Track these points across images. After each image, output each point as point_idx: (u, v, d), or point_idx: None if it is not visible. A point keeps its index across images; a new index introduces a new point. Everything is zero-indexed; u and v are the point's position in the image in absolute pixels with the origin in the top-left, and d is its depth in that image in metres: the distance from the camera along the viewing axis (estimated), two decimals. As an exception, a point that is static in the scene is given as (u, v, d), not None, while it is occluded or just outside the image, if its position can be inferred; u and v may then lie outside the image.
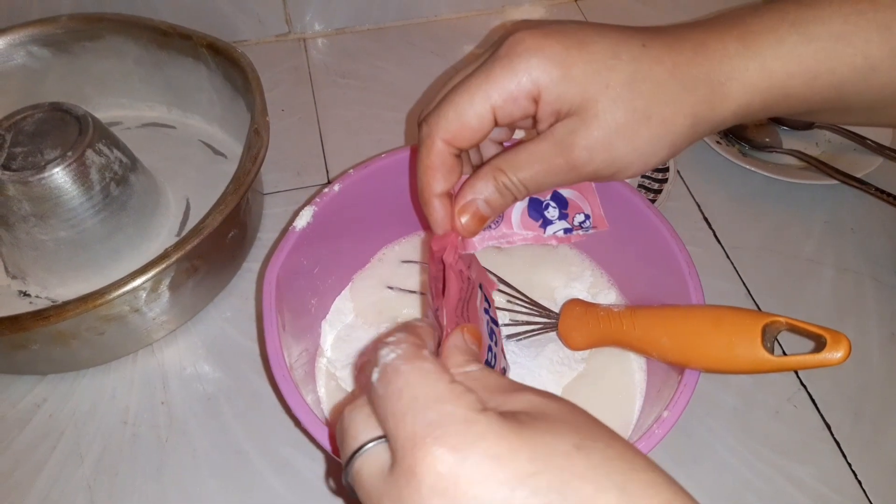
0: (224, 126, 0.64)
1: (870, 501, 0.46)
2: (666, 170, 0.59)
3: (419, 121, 0.37)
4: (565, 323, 0.46)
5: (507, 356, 0.45)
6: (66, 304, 0.43)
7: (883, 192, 0.57)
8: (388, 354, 0.26)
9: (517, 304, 0.48)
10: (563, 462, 0.22)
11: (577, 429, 0.24)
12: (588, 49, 0.32)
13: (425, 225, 0.48)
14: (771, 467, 0.47)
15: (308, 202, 0.45)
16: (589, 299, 0.48)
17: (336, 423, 0.27)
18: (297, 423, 0.36)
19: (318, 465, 0.47)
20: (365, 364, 0.37)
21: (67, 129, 0.51)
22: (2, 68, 0.60)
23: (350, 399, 0.38)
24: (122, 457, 0.47)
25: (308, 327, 0.47)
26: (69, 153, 0.50)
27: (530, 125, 0.35)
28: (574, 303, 0.46)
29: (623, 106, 0.32)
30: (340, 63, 0.74)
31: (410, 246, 0.52)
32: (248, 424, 0.49)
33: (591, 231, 0.43)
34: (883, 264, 0.57)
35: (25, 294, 0.54)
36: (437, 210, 0.36)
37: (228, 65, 0.57)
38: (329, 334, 0.48)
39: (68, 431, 0.48)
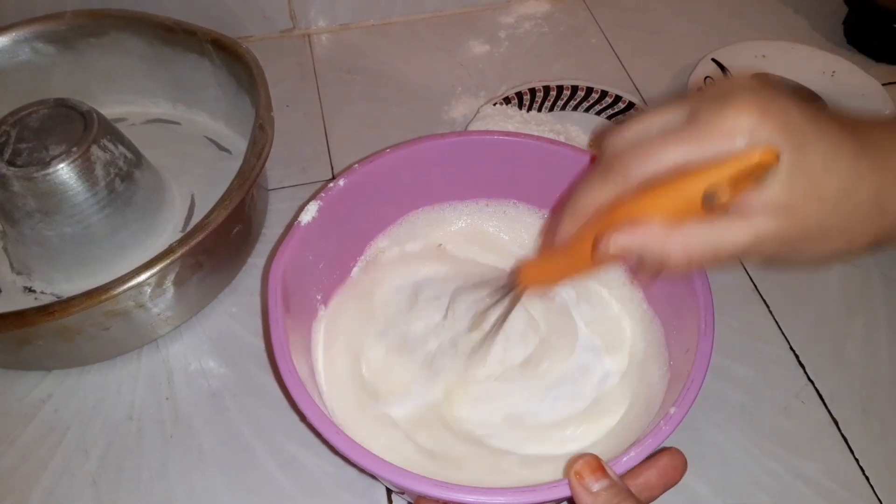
0: (229, 122, 0.64)
1: (877, 497, 0.45)
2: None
3: (604, 137, 0.35)
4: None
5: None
6: (71, 300, 0.43)
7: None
8: None
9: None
10: None
11: None
12: (807, 156, 0.30)
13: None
14: (779, 463, 0.46)
15: (313, 197, 0.44)
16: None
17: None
18: (303, 418, 0.36)
19: (324, 460, 0.47)
20: None
21: (72, 125, 0.51)
22: (7, 65, 0.60)
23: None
24: (128, 452, 0.47)
25: (313, 322, 0.47)
26: (74, 149, 0.50)
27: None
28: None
29: (825, 222, 0.31)
30: (345, 58, 0.73)
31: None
32: (253, 420, 0.49)
33: None
34: (891, 261, 0.57)
35: (30, 290, 0.54)
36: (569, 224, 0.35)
37: (233, 61, 0.57)
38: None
39: (74, 427, 0.49)
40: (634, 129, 0.34)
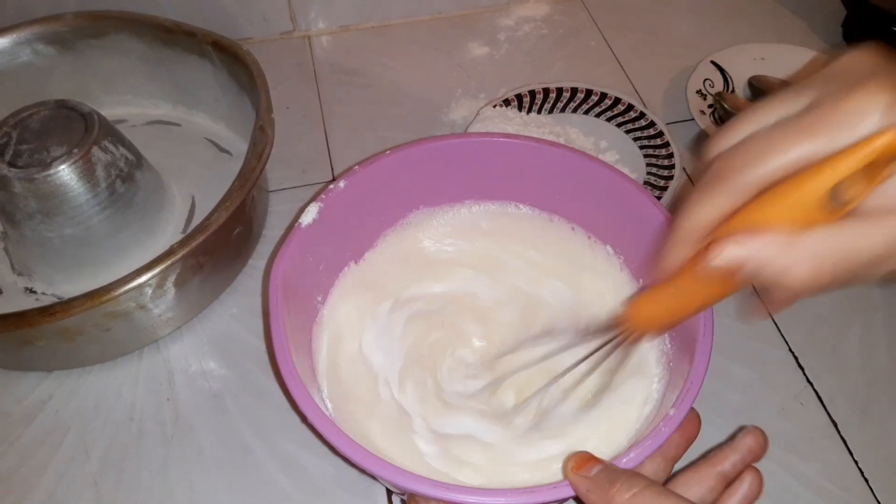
0: (229, 123, 0.64)
1: (875, 498, 0.45)
2: (672, 167, 0.59)
3: (708, 142, 0.30)
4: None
5: None
6: (72, 301, 0.43)
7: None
8: None
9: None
10: None
11: None
12: None
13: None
14: (777, 464, 0.47)
15: (314, 198, 0.45)
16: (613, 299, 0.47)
17: None
18: (304, 419, 0.36)
19: (324, 462, 0.47)
20: None
21: (73, 127, 0.51)
22: (7, 66, 0.60)
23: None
24: (128, 453, 0.47)
25: (313, 324, 0.47)
26: (75, 150, 0.50)
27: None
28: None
29: None
30: (345, 60, 0.74)
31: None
32: (254, 421, 0.49)
33: None
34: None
35: (31, 291, 0.54)
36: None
37: (233, 62, 0.57)
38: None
39: (74, 427, 0.49)
40: (744, 128, 0.29)
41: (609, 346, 0.38)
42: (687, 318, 0.35)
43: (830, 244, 0.26)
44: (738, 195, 0.27)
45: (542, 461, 0.41)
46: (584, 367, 0.40)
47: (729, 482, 0.36)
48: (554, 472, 0.40)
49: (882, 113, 0.25)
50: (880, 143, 0.24)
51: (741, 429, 0.38)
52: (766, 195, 0.27)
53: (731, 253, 0.26)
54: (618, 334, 0.37)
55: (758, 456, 0.37)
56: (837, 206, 0.25)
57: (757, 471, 0.36)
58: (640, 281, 0.47)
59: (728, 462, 0.36)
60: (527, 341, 0.45)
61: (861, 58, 0.27)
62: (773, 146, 0.26)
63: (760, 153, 0.27)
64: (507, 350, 0.46)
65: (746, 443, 0.37)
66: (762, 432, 0.38)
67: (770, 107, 0.28)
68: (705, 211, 0.29)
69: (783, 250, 0.26)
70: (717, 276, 0.27)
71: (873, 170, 0.24)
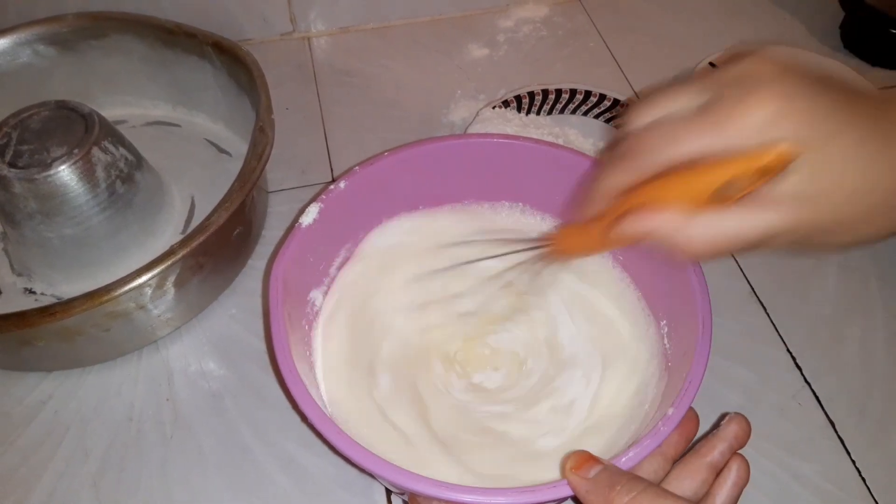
0: (229, 124, 0.64)
1: (874, 498, 0.46)
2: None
3: (628, 112, 0.36)
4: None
5: None
6: (71, 301, 0.43)
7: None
8: None
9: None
10: None
11: None
12: (829, 149, 0.30)
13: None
14: (775, 464, 0.47)
15: (314, 199, 0.45)
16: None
17: None
18: (304, 418, 0.36)
19: (324, 461, 0.47)
20: None
21: (73, 127, 0.51)
22: (8, 67, 0.60)
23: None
24: (128, 453, 0.47)
25: (314, 323, 0.47)
26: (75, 151, 0.50)
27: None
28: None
29: (845, 214, 0.31)
30: (345, 61, 0.74)
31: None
32: (253, 421, 0.49)
33: None
34: (888, 264, 0.57)
35: (31, 291, 0.54)
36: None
37: (233, 63, 0.58)
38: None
39: (74, 428, 0.49)
40: (655, 110, 0.34)
41: (533, 256, 0.45)
42: (596, 254, 0.47)
43: (718, 227, 0.31)
44: (645, 170, 0.33)
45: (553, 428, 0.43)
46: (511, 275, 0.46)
47: (718, 471, 0.37)
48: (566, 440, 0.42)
49: (770, 127, 0.29)
50: (770, 157, 0.29)
51: (724, 416, 0.39)
52: (670, 176, 0.32)
53: (639, 225, 0.33)
54: (542, 248, 0.44)
55: (743, 442, 0.38)
56: (727, 195, 0.31)
57: (743, 457, 0.37)
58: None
59: (716, 451, 0.37)
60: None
61: (760, 63, 0.31)
62: (679, 136, 0.31)
63: (668, 140, 0.32)
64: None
65: (731, 430, 0.38)
66: (744, 418, 0.39)
67: (678, 95, 0.33)
68: (618, 178, 0.34)
69: (680, 228, 0.31)
70: (626, 239, 0.34)
71: (759, 175, 0.30)
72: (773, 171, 0.30)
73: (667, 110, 0.34)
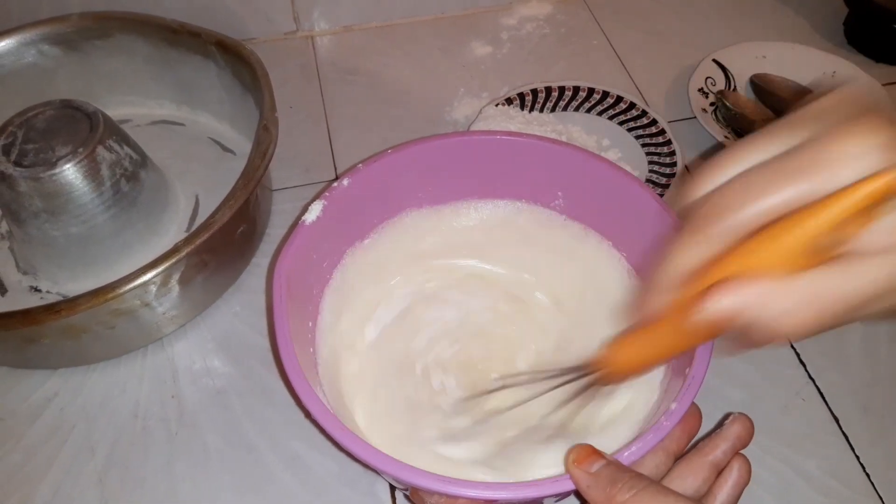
0: (233, 123, 0.64)
1: (878, 494, 0.45)
2: (674, 165, 0.59)
3: (690, 182, 0.29)
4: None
5: None
6: (77, 299, 0.44)
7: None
8: None
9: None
10: None
11: None
12: None
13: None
14: (779, 460, 0.47)
15: (317, 196, 0.45)
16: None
17: None
18: (308, 415, 0.37)
19: (328, 459, 0.47)
20: None
21: (78, 126, 0.51)
22: (13, 67, 0.61)
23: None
24: (133, 450, 0.48)
25: (317, 321, 0.47)
26: (80, 150, 0.50)
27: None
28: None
29: None
30: (348, 60, 0.74)
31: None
32: (258, 419, 0.49)
33: None
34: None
35: (37, 289, 0.54)
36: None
37: (237, 62, 0.58)
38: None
39: (79, 425, 0.49)
40: (729, 167, 0.27)
41: (581, 386, 0.37)
42: (664, 363, 0.36)
43: (828, 286, 0.24)
44: (723, 240, 0.26)
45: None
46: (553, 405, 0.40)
47: (720, 470, 0.37)
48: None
49: (880, 152, 0.23)
50: (878, 186, 0.22)
51: (727, 416, 0.39)
52: (753, 239, 0.25)
53: (727, 302, 0.25)
54: (591, 374, 0.36)
55: (745, 442, 0.38)
56: (829, 247, 0.24)
57: (744, 457, 0.37)
58: (638, 276, 0.47)
59: (719, 451, 0.37)
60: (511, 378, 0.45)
61: (853, 93, 0.26)
62: (761, 188, 0.25)
63: (747, 196, 0.25)
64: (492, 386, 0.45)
65: (734, 430, 0.38)
66: (748, 418, 0.39)
67: (757, 144, 0.27)
68: (688, 257, 0.28)
69: (781, 296, 0.24)
70: (707, 326, 0.26)
71: (866, 212, 0.23)
72: (881, 204, 0.23)
73: (745, 165, 0.27)
